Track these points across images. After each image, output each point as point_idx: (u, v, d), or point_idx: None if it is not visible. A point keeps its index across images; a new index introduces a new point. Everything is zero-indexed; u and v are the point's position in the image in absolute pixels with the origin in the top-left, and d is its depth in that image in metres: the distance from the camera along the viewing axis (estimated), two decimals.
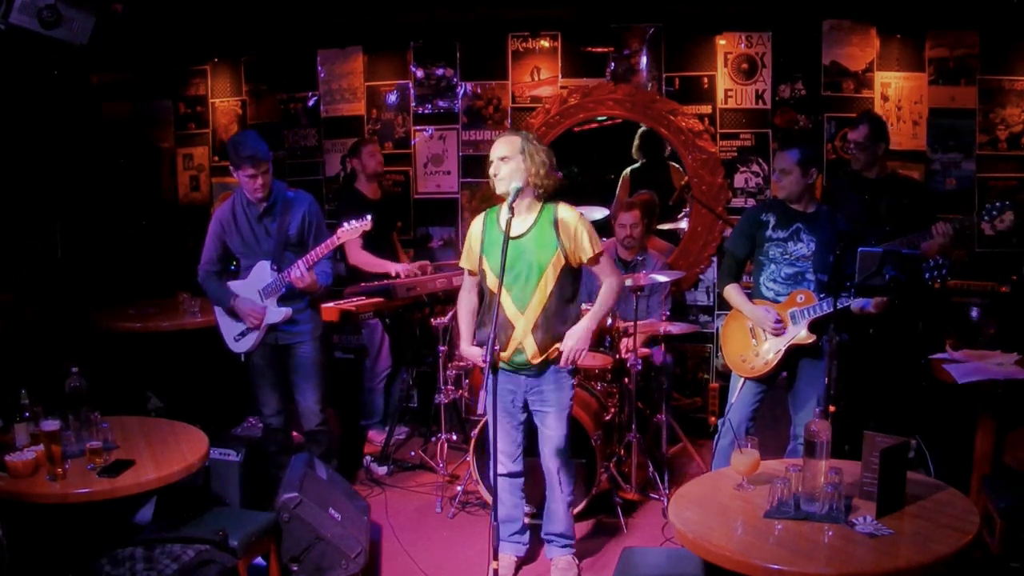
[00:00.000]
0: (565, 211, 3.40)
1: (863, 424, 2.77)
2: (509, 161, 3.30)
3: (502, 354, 3.39)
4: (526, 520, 3.91)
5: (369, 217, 3.86)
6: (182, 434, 3.33)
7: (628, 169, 6.14)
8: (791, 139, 4.92)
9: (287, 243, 3.96)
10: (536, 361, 3.39)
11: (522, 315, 3.37)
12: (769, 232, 3.71)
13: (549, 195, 3.42)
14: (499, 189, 3.33)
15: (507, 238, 3.07)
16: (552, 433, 3.49)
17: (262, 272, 3.95)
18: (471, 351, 3.56)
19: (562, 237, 3.35)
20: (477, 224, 3.53)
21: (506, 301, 3.37)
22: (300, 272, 3.81)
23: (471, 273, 3.57)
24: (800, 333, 3.62)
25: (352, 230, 3.83)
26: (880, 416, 4.00)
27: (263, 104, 6.14)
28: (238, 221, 3.98)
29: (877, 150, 4.22)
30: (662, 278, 4.53)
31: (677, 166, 5.99)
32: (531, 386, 3.48)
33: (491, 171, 3.34)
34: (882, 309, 3.65)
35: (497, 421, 3.39)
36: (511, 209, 3.21)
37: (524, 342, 3.38)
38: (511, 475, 3.62)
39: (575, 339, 3.37)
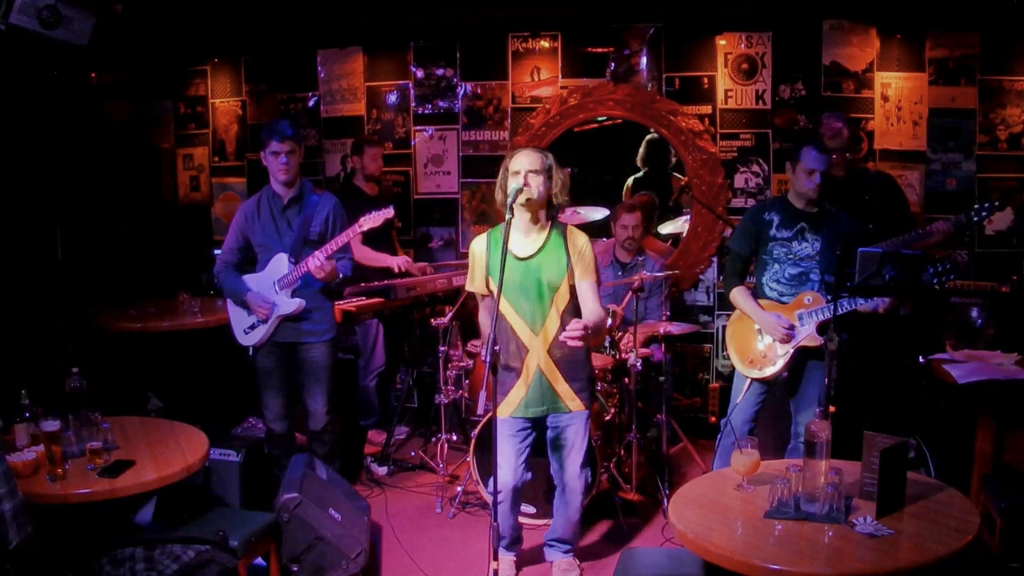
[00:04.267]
0: (574, 232, 3.41)
1: (863, 424, 2.76)
2: (539, 175, 3.28)
3: (519, 408, 3.36)
4: (523, 521, 3.92)
5: (392, 207, 3.92)
6: (182, 434, 3.33)
7: (631, 178, 6.15)
8: (804, 139, 4.88)
9: (307, 239, 3.98)
10: (576, 408, 3.37)
11: (536, 336, 3.34)
12: (773, 231, 3.69)
13: (556, 216, 3.42)
14: (525, 198, 3.24)
15: (505, 253, 3.02)
16: (573, 452, 3.46)
17: (279, 264, 3.97)
18: None
19: (571, 255, 3.34)
20: (480, 244, 3.44)
21: (517, 322, 3.34)
22: (319, 261, 3.82)
23: (482, 296, 3.48)
24: (808, 335, 3.61)
25: (374, 218, 3.86)
26: (880, 416, 4.00)
27: (263, 104, 6.14)
28: (261, 213, 4.02)
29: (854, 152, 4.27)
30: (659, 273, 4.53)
31: (680, 176, 6.01)
32: (553, 419, 3.45)
33: (517, 182, 3.24)
34: (889, 309, 3.61)
35: (501, 435, 3.39)
36: (511, 209, 3.18)
37: (542, 364, 3.34)
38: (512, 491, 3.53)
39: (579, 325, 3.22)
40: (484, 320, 3.52)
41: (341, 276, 4.01)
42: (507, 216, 3.16)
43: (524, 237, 3.33)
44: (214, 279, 4.21)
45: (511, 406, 3.39)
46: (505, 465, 3.39)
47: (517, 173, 3.27)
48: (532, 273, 3.32)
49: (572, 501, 3.54)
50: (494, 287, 3.37)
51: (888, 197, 4.36)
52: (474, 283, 3.48)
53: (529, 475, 3.56)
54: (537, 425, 3.49)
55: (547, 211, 3.38)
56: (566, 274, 3.33)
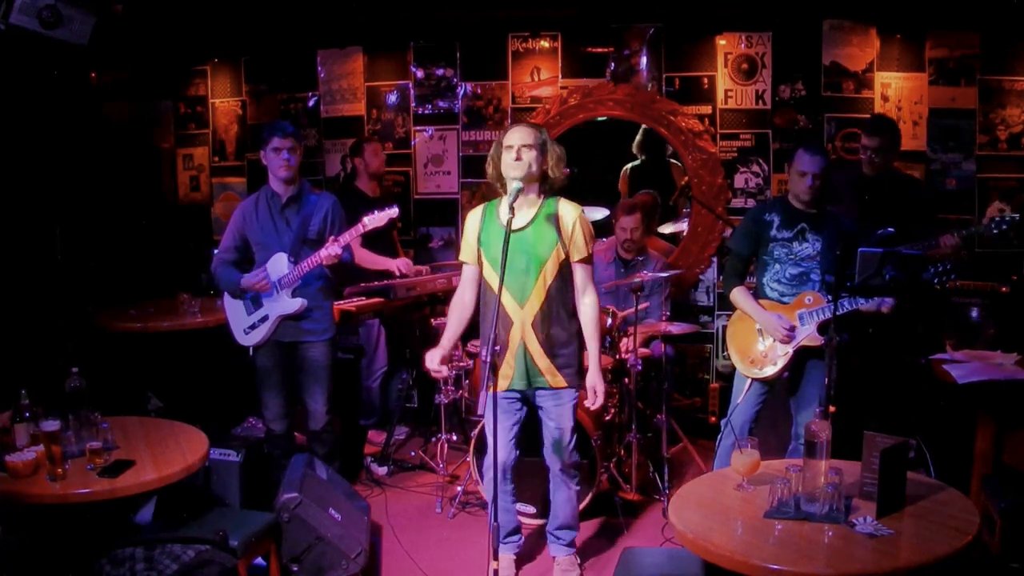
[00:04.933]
0: (566, 205, 3.41)
1: (863, 424, 2.76)
2: (532, 149, 3.29)
3: (502, 381, 3.38)
4: (523, 520, 3.92)
5: (396, 207, 3.92)
6: (182, 434, 3.33)
7: (628, 166, 6.14)
8: (804, 141, 4.87)
9: (306, 238, 3.98)
10: (558, 385, 3.39)
11: (521, 309, 3.36)
12: (773, 232, 3.70)
13: (555, 191, 3.43)
14: (516, 173, 3.26)
15: (508, 234, 3.04)
16: (559, 430, 3.47)
17: (279, 263, 3.97)
18: (434, 362, 3.47)
19: (561, 230, 3.35)
20: (475, 215, 3.49)
21: (505, 296, 3.33)
22: (336, 250, 3.81)
23: (467, 264, 3.51)
24: (809, 335, 3.61)
25: (378, 218, 3.86)
26: (880, 416, 4.00)
27: (263, 104, 6.14)
28: (259, 212, 4.03)
29: (893, 156, 4.23)
30: (661, 275, 4.53)
31: (678, 163, 6.00)
32: (540, 396, 3.47)
33: (510, 156, 3.27)
34: (893, 309, 3.60)
35: (497, 423, 3.38)
36: (511, 209, 3.18)
37: (526, 337, 3.36)
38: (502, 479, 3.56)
39: (599, 383, 3.41)
40: (460, 297, 3.54)
41: (345, 259, 3.99)
42: (509, 199, 3.18)
43: (516, 210, 3.30)
44: (212, 278, 4.20)
45: (504, 380, 3.40)
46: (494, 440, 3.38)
47: (510, 147, 3.28)
48: (522, 245, 3.33)
49: (565, 481, 3.54)
50: (485, 259, 3.41)
51: (904, 199, 4.30)
52: (465, 253, 3.51)
53: (517, 453, 3.55)
54: (527, 404, 3.50)
55: (541, 184, 3.39)
56: (555, 248, 3.34)
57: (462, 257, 3.53)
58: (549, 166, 3.36)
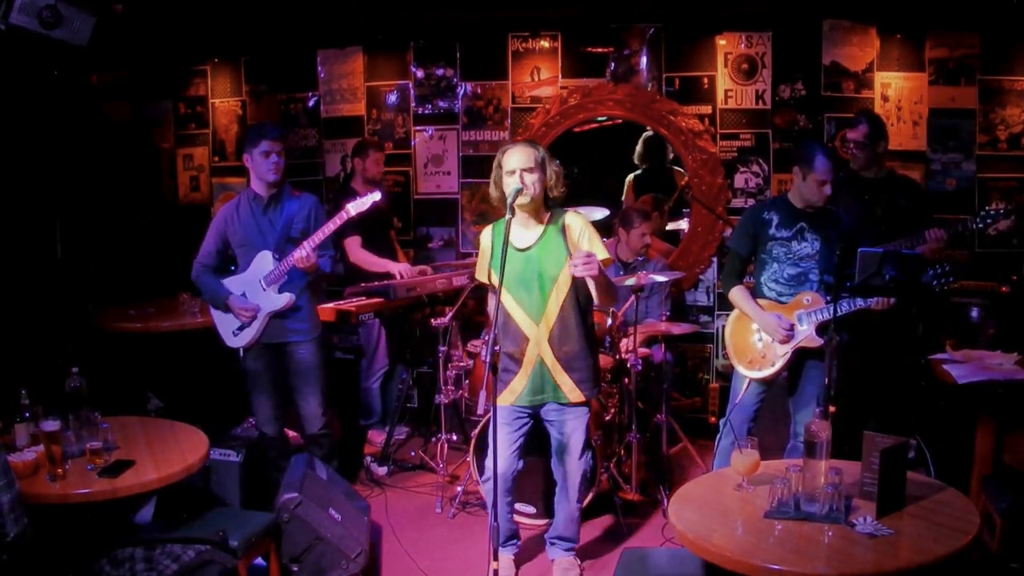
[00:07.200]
0: (572, 217, 3.41)
1: (863, 424, 2.76)
2: (534, 172, 3.28)
3: (509, 396, 3.39)
4: (523, 520, 3.92)
5: (379, 191, 3.91)
6: (182, 434, 3.33)
7: (631, 175, 6.16)
8: (805, 140, 4.84)
9: (290, 236, 3.97)
10: (576, 400, 3.40)
11: (536, 326, 3.37)
12: (772, 231, 3.69)
13: (557, 204, 3.44)
14: (522, 200, 3.25)
15: (506, 245, 3.01)
16: (572, 444, 3.46)
17: (264, 261, 3.95)
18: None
19: (569, 242, 3.35)
20: (486, 236, 3.52)
21: (518, 313, 3.36)
22: (305, 252, 3.80)
23: (490, 288, 3.53)
24: (808, 336, 3.61)
25: (361, 203, 3.85)
26: (880, 416, 4.00)
27: (263, 104, 6.14)
28: (241, 214, 4.00)
29: (876, 148, 4.20)
30: (661, 278, 4.54)
31: (680, 170, 6.01)
32: (551, 410, 3.46)
33: (511, 180, 3.26)
34: (884, 308, 3.59)
35: (498, 423, 3.38)
36: (511, 210, 3.17)
37: (542, 353, 3.37)
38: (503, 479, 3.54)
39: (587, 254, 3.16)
40: (491, 309, 3.58)
41: (322, 269, 3.97)
42: (507, 216, 3.15)
43: (524, 229, 3.36)
44: (195, 285, 4.12)
45: (512, 395, 3.41)
46: (498, 452, 3.35)
47: (512, 172, 3.27)
48: (532, 264, 3.34)
49: (571, 494, 3.55)
50: (495, 280, 3.39)
51: (900, 201, 4.29)
52: (481, 273, 3.55)
53: (521, 463, 3.56)
54: (534, 418, 3.50)
55: (544, 203, 3.39)
56: (565, 264, 3.34)
57: (478, 277, 3.57)
58: (550, 186, 3.36)
